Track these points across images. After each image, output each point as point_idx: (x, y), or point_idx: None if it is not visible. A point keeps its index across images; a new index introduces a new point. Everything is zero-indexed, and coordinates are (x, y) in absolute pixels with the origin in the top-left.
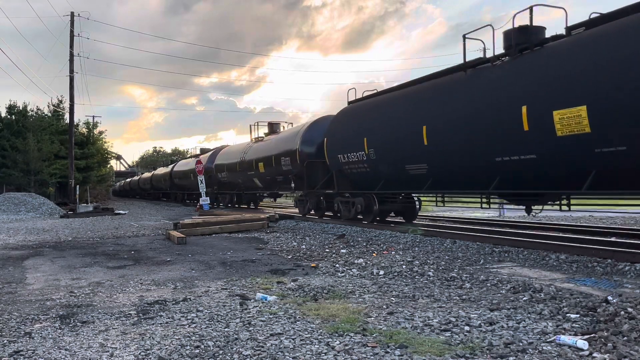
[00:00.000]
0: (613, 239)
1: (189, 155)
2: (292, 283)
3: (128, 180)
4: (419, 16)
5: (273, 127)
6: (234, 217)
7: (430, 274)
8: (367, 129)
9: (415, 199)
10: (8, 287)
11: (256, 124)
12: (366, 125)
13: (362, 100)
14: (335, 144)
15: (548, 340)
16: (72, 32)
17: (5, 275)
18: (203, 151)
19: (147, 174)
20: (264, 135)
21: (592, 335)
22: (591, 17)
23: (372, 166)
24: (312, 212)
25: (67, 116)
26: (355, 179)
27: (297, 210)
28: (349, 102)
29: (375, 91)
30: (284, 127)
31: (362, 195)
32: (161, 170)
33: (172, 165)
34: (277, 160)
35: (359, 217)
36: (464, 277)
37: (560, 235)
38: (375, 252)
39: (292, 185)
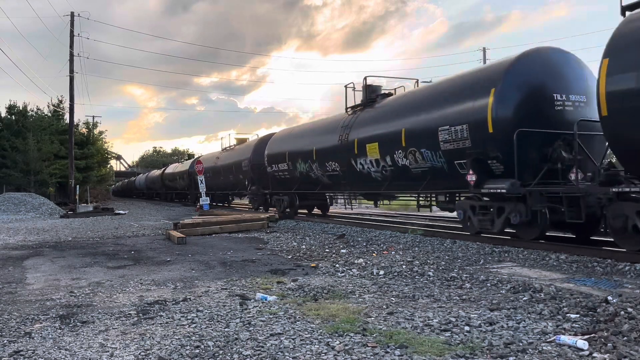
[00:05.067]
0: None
1: (225, 148)
2: (292, 283)
3: (133, 179)
4: (420, 15)
5: (375, 90)
6: (234, 217)
7: (430, 274)
8: None
9: None
10: (8, 287)
11: (354, 85)
12: None
13: None
14: None
15: (548, 340)
16: (72, 32)
17: (5, 275)
18: (240, 141)
19: (156, 172)
20: (371, 101)
21: (592, 335)
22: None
23: None
24: (514, 230)
25: (67, 116)
26: None
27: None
28: None
29: None
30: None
31: None
32: (176, 168)
33: (190, 160)
34: (427, 135)
35: None
36: (464, 277)
37: (560, 235)
38: (375, 252)
39: (471, 177)
